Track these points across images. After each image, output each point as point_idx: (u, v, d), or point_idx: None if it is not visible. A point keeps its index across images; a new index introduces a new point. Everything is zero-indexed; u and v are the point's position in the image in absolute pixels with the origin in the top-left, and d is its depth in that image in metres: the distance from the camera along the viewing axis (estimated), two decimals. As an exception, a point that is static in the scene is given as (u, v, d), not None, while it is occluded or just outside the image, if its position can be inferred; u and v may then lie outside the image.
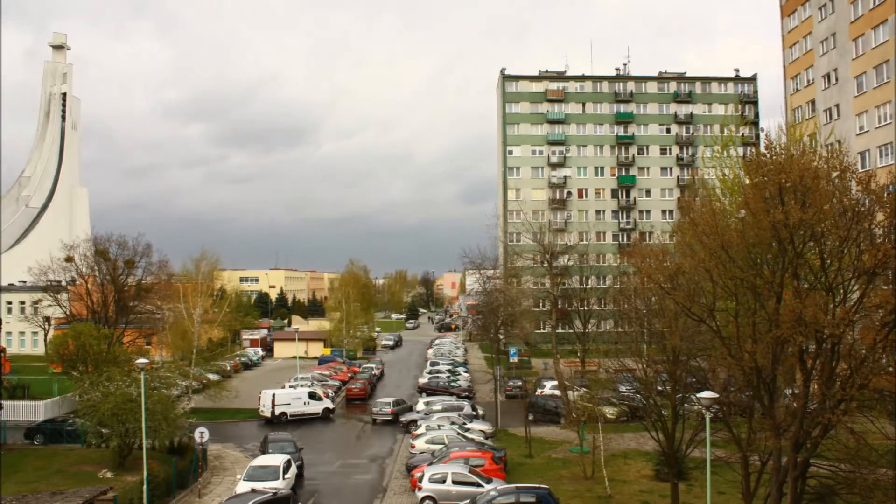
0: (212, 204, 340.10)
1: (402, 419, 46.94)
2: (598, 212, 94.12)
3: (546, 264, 56.29)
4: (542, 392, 54.31)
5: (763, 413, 21.56)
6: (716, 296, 22.33)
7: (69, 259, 56.81)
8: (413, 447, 38.24)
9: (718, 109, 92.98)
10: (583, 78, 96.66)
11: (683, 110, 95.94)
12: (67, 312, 58.01)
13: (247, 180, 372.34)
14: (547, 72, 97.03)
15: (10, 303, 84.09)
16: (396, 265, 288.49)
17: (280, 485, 29.29)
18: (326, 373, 65.53)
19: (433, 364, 70.48)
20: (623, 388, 39.33)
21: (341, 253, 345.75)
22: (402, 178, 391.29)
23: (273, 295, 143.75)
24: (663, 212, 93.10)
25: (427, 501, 29.53)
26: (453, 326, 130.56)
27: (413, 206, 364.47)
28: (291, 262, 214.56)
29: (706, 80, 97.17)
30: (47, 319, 66.50)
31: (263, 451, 35.92)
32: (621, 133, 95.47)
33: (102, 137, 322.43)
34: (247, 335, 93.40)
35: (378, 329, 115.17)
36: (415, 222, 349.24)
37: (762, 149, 22.95)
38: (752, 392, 22.25)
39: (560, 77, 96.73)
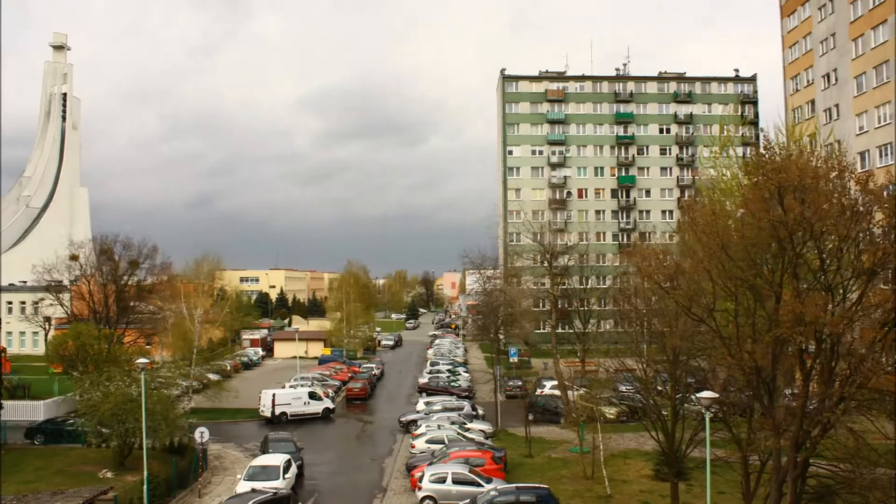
0: (265, 202, 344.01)
1: (403, 419, 46.99)
2: (598, 212, 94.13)
3: (546, 264, 56.34)
4: (542, 392, 54.32)
5: (763, 413, 21.58)
6: (716, 296, 22.36)
7: (74, 257, 56.78)
8: (413, 447, 38.26)
9: (718, 109, 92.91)
10: (583, 78, 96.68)
11: (683, 110, 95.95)
12: (69, 312, 58.03)
13: (319, 180, 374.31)
14: (547, 72, 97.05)
15: (10, 303, 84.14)
16: (397, 265, 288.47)
17: (280, 484, 29.32)
18: (326, 373, 65.56)
19: (433, 364, 70.51)
20: (623, 388, 39.39)
21: (367, 253, 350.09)
22: (473, 175, 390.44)
23: (273, 295, 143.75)
24: (663, 212, 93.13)
25: (427, 501, 29.56)
26: (453, 326, 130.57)
27: (470, 203, 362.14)
28: (292, 262, 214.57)
29: (706, 81, 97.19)
30: (48, 319, 66.51)
31: (264, 450, 35.96)
32: (621, 133, 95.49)
33: (215, 130, 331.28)
34: (247, 335, 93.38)
35: (378, 329, 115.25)
36: (468, 220, 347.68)
37: (762, 149, 22.99)
38: (751, 392, 22.27)
39: (560, 77, 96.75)
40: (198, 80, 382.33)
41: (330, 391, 56.95)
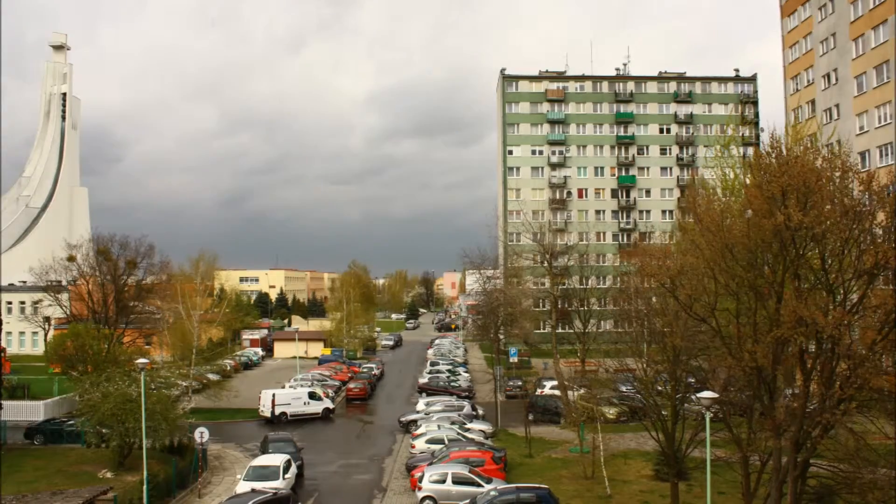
0: (295, 201, 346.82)
1: (403, 419, 46.98)
2: (598, 212, 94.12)
3: (546, 264, 56.32)
4: (542, 392, 54.30)
5: (763, 413, 21.56)
6: (717, 295, 22.33)
7: (71, 258, 56.79)
8: (413, 447, 38.25)
9: (718, 109, 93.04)
10: (583, 78, 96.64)
11: (683, 110, 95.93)
12: (68, 312, 58.01)
13: (361, 178, 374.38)
14: (547, 72, 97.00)
15: (10, 303, 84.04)
16: (397, 265, 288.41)
17: (280, 485, 29.30)
18: (326, 373, 65.53)
19: (433, 364, 70.48)
20: (623, 388, 39.36)
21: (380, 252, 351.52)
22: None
23: (273, 295, 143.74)
24: (663, 212, 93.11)
25: (427, 501, 29.53)
26: (453, 326, 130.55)
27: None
28: (292, 262, 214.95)
29: (706, 80, 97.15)
30: (47, 319, 66.51)
31: (263, 451, 35.94)
32: (621, 133, 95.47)
33: (275, 125, 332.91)
34: (247, 335, 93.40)
35: (378, 329, 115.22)
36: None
37: (765, 149, 22.91)
38: (752, 392, 22.25)
39: (560, 77, 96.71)
40: (275, 73, 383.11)
41: (330, 391, 56.92)
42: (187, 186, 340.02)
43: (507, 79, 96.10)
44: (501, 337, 60.44)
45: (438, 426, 40.40)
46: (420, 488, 29.94)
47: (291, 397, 50.59)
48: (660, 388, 29.62)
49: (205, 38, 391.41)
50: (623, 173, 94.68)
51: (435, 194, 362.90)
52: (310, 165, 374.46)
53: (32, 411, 42.19)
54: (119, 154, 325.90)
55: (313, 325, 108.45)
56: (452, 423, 41.58)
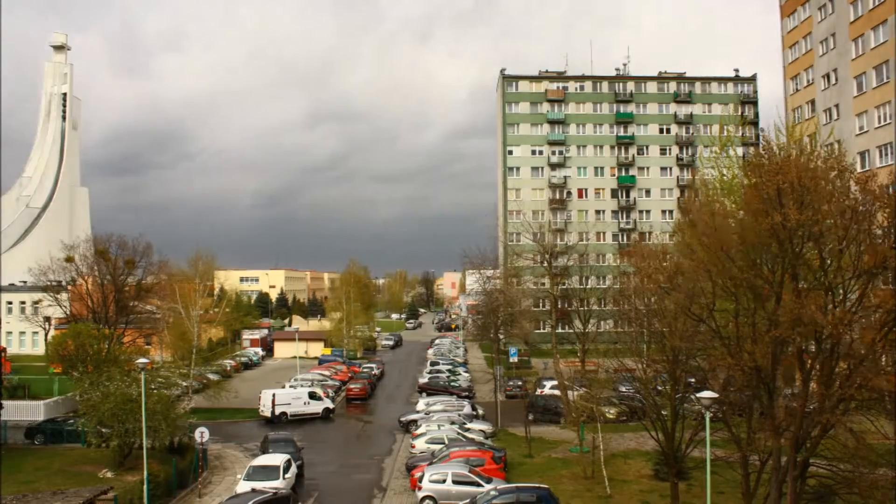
0: (331, 200, 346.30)
1: (403, 419, 47.00)
2: (597, 212, 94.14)
3: (546, 264, 56.29)
4: (542, 392, 54.32)
5: (762, 413, 21.59)
6: (715, 295, 22.36)
7: (69, 259, 56.82)
8: (413, 447, 38.28)
9: (718, 110, 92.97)
10: (583, 78, 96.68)
11: (683, 110, 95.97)
12: (67, 312, 58.02)
13: (413, 176, 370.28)
14: (547, 72, 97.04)
15: (10, 303, 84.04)
16: (397, 265, 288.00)
17: (280, 484, 29.31)
18: (326, 373, 65.54)
19: (433, 364, 70.50)
20: (623, 388, 39.38)
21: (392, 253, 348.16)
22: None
23: (273, 295, 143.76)
24: (663, 212, 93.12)
25: (427, 501, 29.55)
26: (453, 326, 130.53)
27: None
28: (292, 262, 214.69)
29: (706, 81, 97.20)
30: (47, 319, 66.50)
31: (264, 450, 35.97)
32: (621, 133, 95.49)
33: (351, 118, 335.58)
34: (247, 335, 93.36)
35: (378, 329, 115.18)
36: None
37: (761, 149, 22.96)
38: (751, 392, 22.28)
39: (560, 77, 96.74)
40: (389, 64, 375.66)
41: (330, 391, 56.93)
42: (241, 183, 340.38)
43: (507, 79, 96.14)
44: (501, 337, 60.41)
45: (438, 426, 40.43)
46: (420, 488, 29.96)
47: (291, 397, 50.60)
48: (659, 387, 29.64)
49: (324, 24, 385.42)
50: (623, 173, 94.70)
51: (474, 193, 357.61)
52: (370, 162, 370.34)
53: (33, 411, 42.25)
54: (188, 150, 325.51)
55: (313, 325, 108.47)
56: (452, 422, 41.61)
